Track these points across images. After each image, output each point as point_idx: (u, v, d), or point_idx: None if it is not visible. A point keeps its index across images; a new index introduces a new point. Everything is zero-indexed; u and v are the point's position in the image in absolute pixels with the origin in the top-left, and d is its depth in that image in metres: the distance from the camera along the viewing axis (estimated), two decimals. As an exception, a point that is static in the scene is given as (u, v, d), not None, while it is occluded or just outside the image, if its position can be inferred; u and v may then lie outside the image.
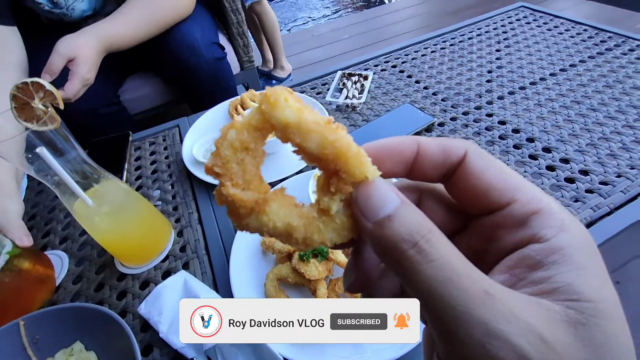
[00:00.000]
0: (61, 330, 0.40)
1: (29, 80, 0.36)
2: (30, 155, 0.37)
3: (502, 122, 0.68)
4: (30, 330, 0.40)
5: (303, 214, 0.13)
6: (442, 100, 0.76)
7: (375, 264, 0.15)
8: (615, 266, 0.96)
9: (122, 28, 0.75)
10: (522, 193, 0.13)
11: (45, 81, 0.37)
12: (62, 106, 0.38)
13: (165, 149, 0.75)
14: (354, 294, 0.20)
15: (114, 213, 0.45)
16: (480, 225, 0.14)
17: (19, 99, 0.36)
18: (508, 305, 0.10)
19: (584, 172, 0.56)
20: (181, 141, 0.74)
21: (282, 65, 1.92)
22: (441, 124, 0.70)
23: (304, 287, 0.43)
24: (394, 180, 0.15)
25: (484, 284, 0.10)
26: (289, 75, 1.96)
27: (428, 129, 0.69)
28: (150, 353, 0.42)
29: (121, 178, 0.64)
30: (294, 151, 0.13)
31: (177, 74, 0.99)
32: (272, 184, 0.59)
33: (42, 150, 0.36)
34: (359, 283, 0.15)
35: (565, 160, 0.59)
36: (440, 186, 0.15)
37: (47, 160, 0.37)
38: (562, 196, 0.53)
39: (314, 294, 0.41)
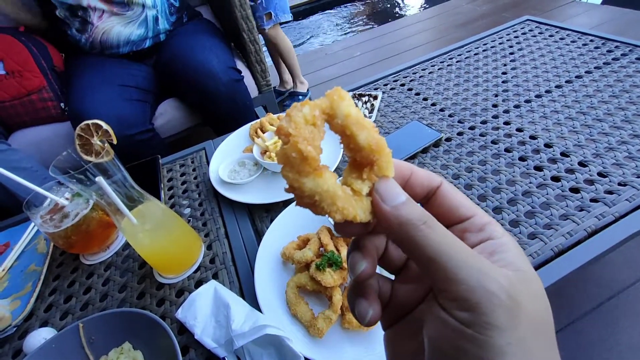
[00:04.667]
0: (113, 332, 0.47)
1: (90, 122, 0.44)
2: (89, 183, 0.45)
3: (507, 135, 0.71)
4: (87, 331, 0.47)
5: (343, 189, 0.16)
6: (449, 116, 0.80)
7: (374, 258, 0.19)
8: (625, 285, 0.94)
9: None
10: (479, 211, 0.18)
11: (102, 122, 0.45)
12: (115, 141, 0.46)
13: (194, 170, 0.82)
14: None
15: (155, 230, 0.52)
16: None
17: (82, 138, 0.44)
18: (489, 262, 0.15)
19: (590, 182, 0.58)
20: (208, 163, 0.81)
21: (301, 81, 2.03)
22: (448, 139, 0.74)
23: (321, 294, 0.48)
24: None
25: (471, 249, 0.16)
26: (308, 90, 2.06)
27: (436, 144, 0.73)
28: (187, 353, 0.47)
29: (159, 199, 0.72)
30: (341, 141, 0.16)
31: (198, 98, 1.09)
32: (283, 203, 0.65)
33: (99, 179, 0.44)
34: (367, 274, 0.18)
35: (570, 171, 0.61)
36: None
37: (103, 187, 0.45)
38: (566, 206, 0.55)
39: (329, 300, 0.46)
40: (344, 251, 0.49)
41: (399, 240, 0.17)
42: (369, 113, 0.83)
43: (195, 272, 0.58)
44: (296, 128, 0.14)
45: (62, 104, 1.15)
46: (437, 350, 0.16)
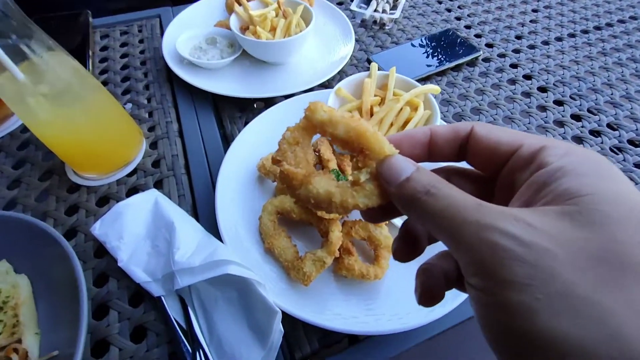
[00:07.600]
0: (-19, 243, 0.30)
1: None
2: None
3: (545, 70, 0.57)
4: None
5: (340, 184, 0.17)
6: (489, 32, 0.63)
7: (416, 239, 0.18)
8: None
9: None
10: (527, 139, 0.16)
11: None
12: None
13: (141, 41, 0.59)
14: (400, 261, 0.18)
15: (59, 97, 0.33)
16: (501, 182, 0.17)
17: None
18: (497, 209, 0.13)
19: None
20: (162, 34, 0.58)
21: None
22: (486, 59, 0.58)
23: (311, 226, 0.34)
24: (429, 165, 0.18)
25: (477, 200, 0.13)
26: None
27: (471, 63, 0.57)
28: (105, 284, 0.33)
29: (85, 67, 0.50)
30: (331, 143, 0.19)
31: None
32: (284, 97, 0.47)
33: None
34: (401, 252, 0.18)
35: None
36: (465, 168, 0.19)
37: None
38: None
39: (324, 236, 0.32)
40: (349, 171, 0.35)
41: (411, 217, 0.17)
42: (391, 9, 0.63)
43: (130, 175, 0.41)
44: (282, 155, 0.18)
45: None
46: (484, 331, 0.13)
